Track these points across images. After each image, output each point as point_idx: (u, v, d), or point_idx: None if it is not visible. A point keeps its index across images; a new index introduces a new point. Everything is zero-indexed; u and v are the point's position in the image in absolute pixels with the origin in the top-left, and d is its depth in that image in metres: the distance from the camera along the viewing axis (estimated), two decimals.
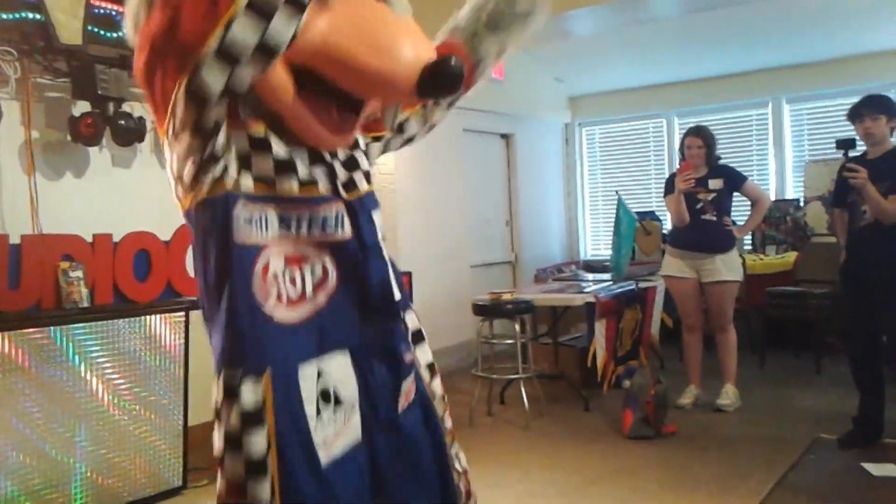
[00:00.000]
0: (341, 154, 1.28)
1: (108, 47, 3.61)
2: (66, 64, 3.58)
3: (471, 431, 4.70)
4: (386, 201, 5.87)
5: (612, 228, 5.81)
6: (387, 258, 1.32)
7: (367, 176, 1.33)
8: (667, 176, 5.62)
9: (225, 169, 1.14)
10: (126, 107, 3.71)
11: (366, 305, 1.26)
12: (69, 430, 3.25)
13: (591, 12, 5.21)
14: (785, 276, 6.43)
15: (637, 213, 6.79)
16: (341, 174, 1.26)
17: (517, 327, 4.84)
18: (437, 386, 1.43)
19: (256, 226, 1.15)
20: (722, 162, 5.03)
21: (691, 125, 5.21)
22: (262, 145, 1.17)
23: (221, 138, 1.13)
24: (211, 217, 1.15)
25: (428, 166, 6.39)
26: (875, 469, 3.61)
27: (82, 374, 3.30)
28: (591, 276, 6.37)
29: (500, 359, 5.19)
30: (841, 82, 6.78)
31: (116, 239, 3.46)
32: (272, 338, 1.15)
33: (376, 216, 1.31)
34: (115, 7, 3.57)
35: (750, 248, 6.95)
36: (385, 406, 1.28)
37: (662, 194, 5.05)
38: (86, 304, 3.32)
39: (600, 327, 4.87)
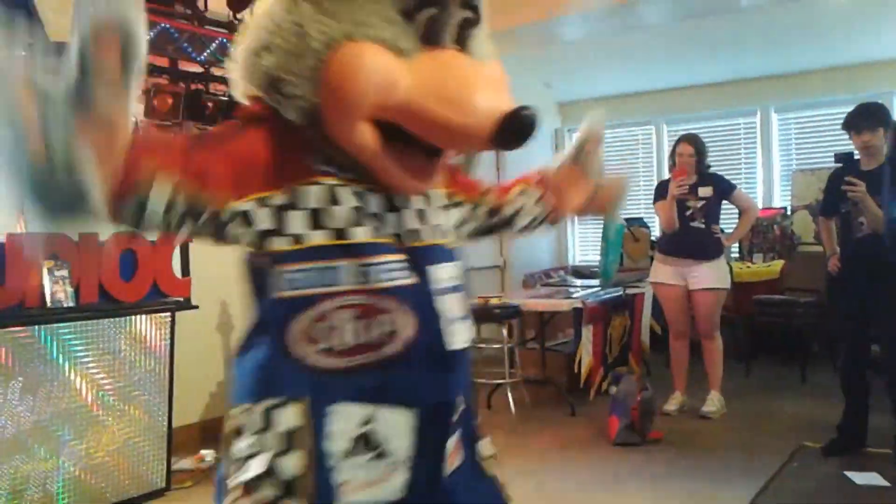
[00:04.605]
0: (414, 204, 1.26)
1: None
2: None
3: None
4: None
5: (601, 234, 5.81)
6: (448, 308, 1.24)
7: (437, 230, 1.29)
8: (655, 182, 5.64)
9: (268, 232, 1.14)
10: None
11: (432, 359, 1.20)
12: (53, 429, 3.23)
13: (581, 18, 5.23)
14: (771, 285, 6.46)
15: (626, 219, 6.81)
16: (409, 223, 1.23)
17: (504, 332, 4.85)
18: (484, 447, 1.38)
19: (316, 277, 1.14)
20: (712, 170, 5.05)
21: (682, 132, 5.23)
22: (333, 196, 1.16)
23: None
24: (251, 272, 1.21)
25: None
26: (858, 478, 3.63)
27: (67, 374, 3.27)
28: (579, 282, 6.38)
29: (487, 363, 5.19)
30: (829, 92, 6.82)
31: (102, 238, 3.43)
32: (301, 377, 1.15)
33: (444, 268, 1.25)
34: None
35: (737, 256, 6.98)
36: (435, 466, 1.24)
37: (652, 200, 5.06)
38: (71, 304, 3.29)
39: (587, 333, 4.88)
